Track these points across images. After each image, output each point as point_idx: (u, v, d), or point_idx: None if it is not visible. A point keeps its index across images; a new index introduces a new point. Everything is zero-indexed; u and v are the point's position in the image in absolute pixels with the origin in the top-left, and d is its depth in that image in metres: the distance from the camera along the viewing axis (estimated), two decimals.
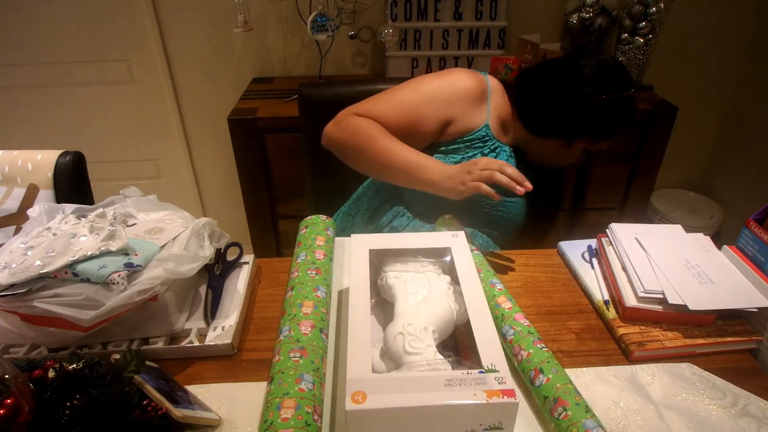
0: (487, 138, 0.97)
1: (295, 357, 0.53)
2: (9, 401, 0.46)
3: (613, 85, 0.89)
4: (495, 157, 0.96)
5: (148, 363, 0.59)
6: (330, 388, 0.59)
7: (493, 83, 1.00)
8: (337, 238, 0.83)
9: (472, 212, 0.98)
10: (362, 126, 0.91)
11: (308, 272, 0.66)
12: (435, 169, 0.86)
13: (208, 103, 1.94)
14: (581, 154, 0.98)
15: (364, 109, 0.93)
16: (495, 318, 0.64)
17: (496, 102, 0.99)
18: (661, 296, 0.68)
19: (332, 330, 0.67)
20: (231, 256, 0.81)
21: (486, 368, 0.48)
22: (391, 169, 0.89)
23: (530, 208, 1.07)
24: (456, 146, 0.97)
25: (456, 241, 0.69)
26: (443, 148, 0.97)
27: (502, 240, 1.04)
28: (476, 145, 0.96)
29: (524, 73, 1.00)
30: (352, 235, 0.69)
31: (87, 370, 0.54)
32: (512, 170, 0.79)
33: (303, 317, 0.59)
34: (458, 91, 0.94)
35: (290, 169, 1.62)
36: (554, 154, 0.99)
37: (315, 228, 0.75)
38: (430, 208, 0.98)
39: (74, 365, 0.54)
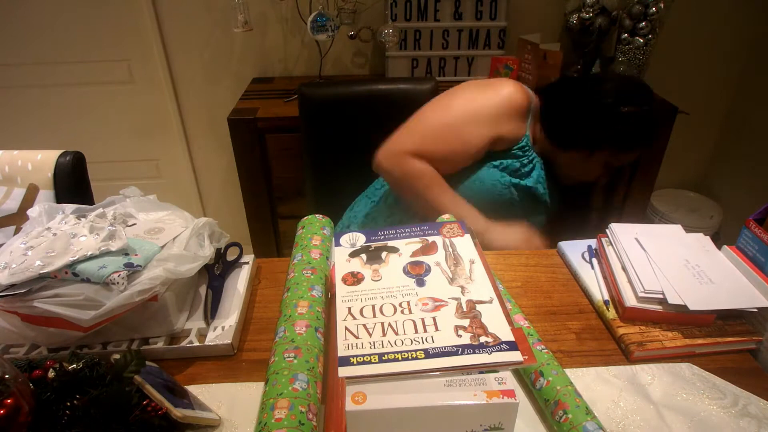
0: (526, 148, 0.99)
1: (289, 357, 0.53)
2: (9, 401, 0.46)
3: (635, 99, 0.93)
4: (531, 168, 1.00)
5: (148, 363, 0.59)
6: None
7: (534, 100, 1.01)
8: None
9: (492, 211, 1.00)
10: (417, 173, 0.95)
11: (304, 272, 0.66)
12: (480, 221, 0.96)
13: (208, 103, 1.94)
14: (604, 169, 1.00)
15: (417, 147, 0.95)
16: None
17: (536, 115, 1.01)
18: (661, 296, 0.68)
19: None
20: (231, 256, 0.81)
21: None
22: (437, 215, 0.94)
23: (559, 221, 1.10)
24: (497, 155, 0.99)
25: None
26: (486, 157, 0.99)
27: None
28: (516, 154, 0.99)
29: (550, 86, 1.03)
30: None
31: (87, 370, 0.54)
32: None
33: (298, 317, 0.58)
34: (508, 107, 0.96)
35: (290, 169, 1.63)
36: (578, 166, 1.01)
37: (311, 228, 0.75)
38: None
39: (74, 365, 0.54)
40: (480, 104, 0.95)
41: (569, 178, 1.04)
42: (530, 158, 0.99)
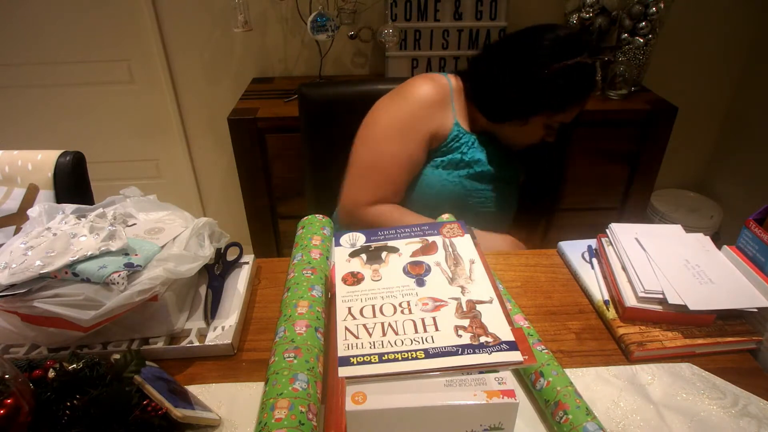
0: (460, 135, 0.97)
1: (289, 357, 0.53)
2: (9, 401, 0.46)
3: (558, 56, 0.87)
4: (474, 153, 0.97)
5: (148, 363, 0.59)
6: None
7: (454, 82, 1.00)
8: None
9: (460, 208, 0.99)
10: (381, 217, 0.96)
11: (304, 272, 0.66)
12: None
13: (208, 103, 1.94)
14: (545, 130, 0.97)
15: (369, 197, 0.97)
16: None
17: (461, 98, 0.99)
18: (661, 296, 0.68)
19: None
20: (231, 256, 0.81)
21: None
22: None
23: (521, 202, 1.08)
24: (438, 155, 0.98)
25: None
26: (428, 161, 0.99)
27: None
28: (453, 146, 0.97)
29: (473, 60, 1.00)
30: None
31: (87, 370, 0.54)
32: None
33: (298, 317, 0.58)
34: (422, 107, 0.95)
35: (290, 169, 1.63)
36: (518, 134, 0.98)
37: (311, 228, 0.75)
38: (420, 208, 0.99)
39: (74, 365, 0.54)
40: (398, 119, 0.95)
41: (517, 146, 1.02)
42: (469, 144, 0.97)
